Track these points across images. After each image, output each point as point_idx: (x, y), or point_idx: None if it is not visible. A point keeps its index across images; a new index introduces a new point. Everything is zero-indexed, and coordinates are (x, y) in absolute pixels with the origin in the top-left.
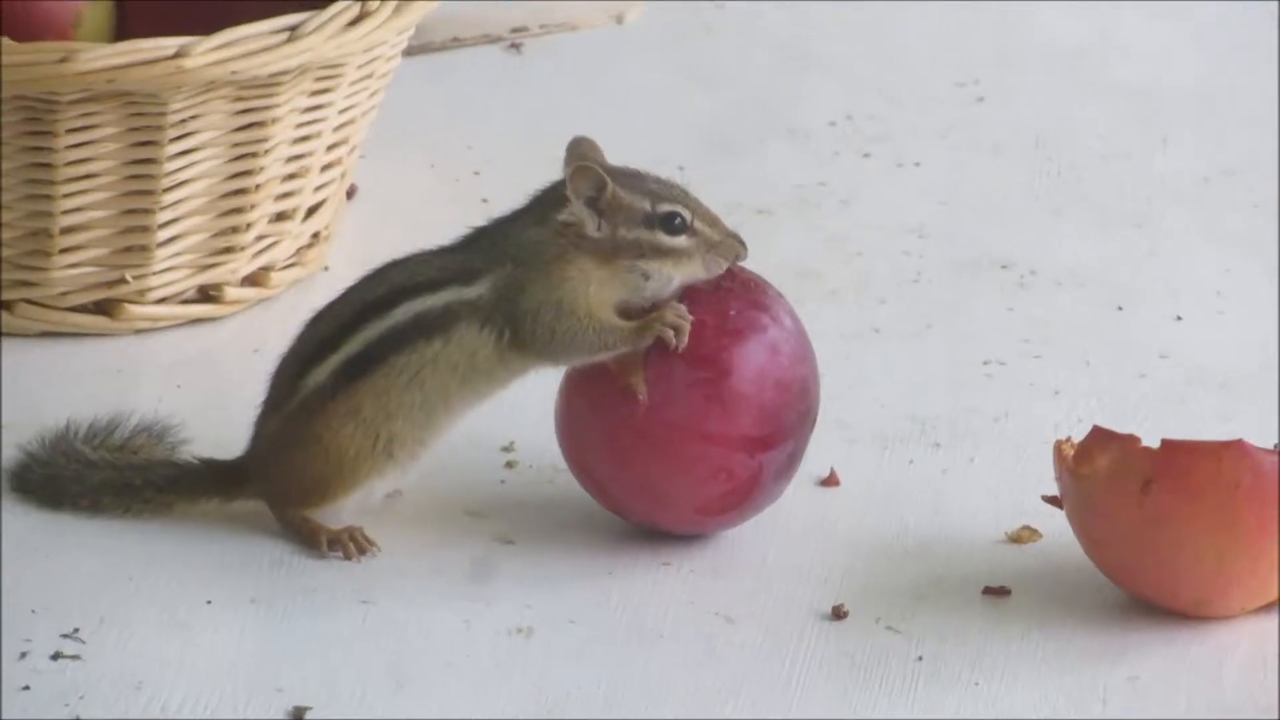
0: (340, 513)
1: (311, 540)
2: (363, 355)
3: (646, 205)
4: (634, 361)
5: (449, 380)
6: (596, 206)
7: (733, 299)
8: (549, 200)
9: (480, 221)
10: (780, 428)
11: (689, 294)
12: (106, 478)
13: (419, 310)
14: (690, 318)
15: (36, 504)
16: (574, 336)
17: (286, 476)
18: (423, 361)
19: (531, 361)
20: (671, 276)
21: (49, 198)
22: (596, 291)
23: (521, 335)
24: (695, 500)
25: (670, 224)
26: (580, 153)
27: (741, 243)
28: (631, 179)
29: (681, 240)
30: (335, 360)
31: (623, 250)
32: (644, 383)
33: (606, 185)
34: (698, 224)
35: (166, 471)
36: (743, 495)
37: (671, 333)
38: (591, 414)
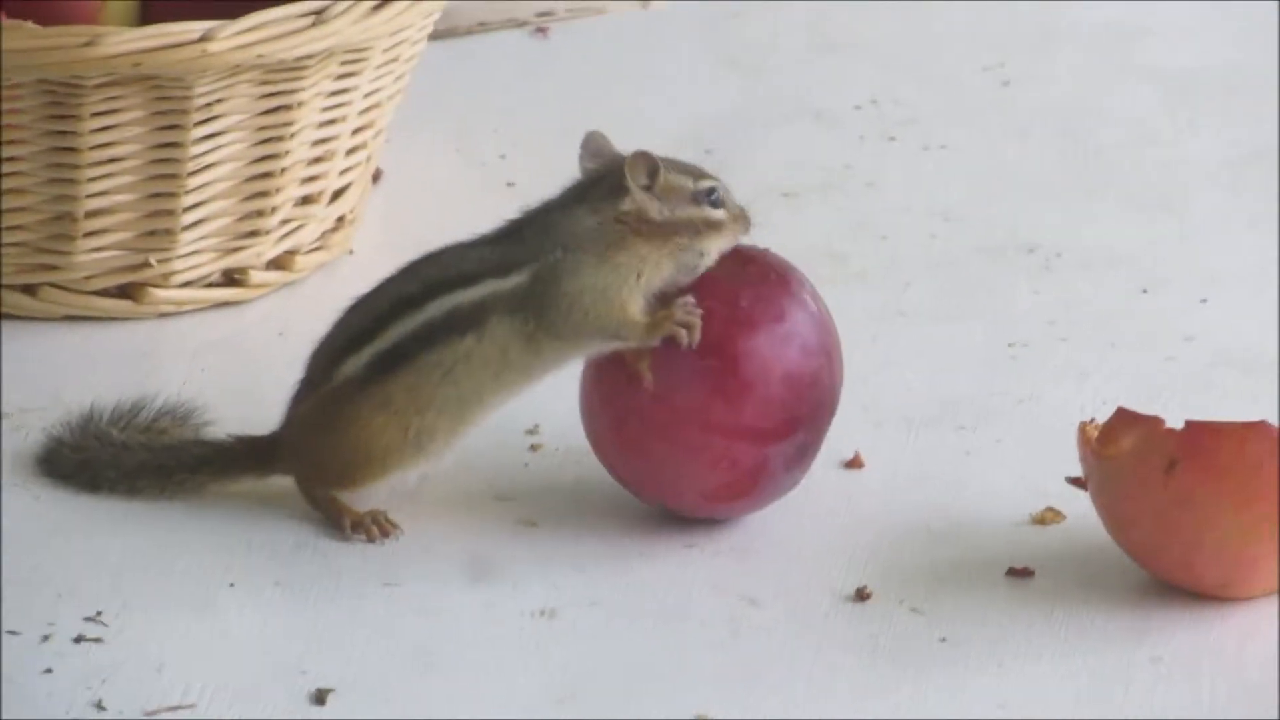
0: (368, 496)
1: (336, 522)
2: (396, 350)
3: (690, 183)
4: (644, 347)
5: (482, 375)
6: (651, 192)
7: (749, 287)
8: (601, 189)
9: (505, 206)
10: (788, 420)
11: (704, 280)
12: (141, 460)
13: (452, 305)
14: (699, 313)
15: (72, 489)
16: (599, 323)
17: (316, 459)
18: (456, 357)
19: (554, 346)
20: (712, 250)
21: (73, 181)
22: (649, 275)
23: (549, 318)
24: (700, 487)
25: (712, 197)
26: (595, 146)
27: (747, 215)
28: (668, 162)
29: (722, 212)
30: (369, 352)
31: (679, 230)
32: (649, 369)
33: (659, 170)
34: (725, 196)
35: (199, 451)
36: (748, 485)
37: (684, 331)
38: (602, 398)
